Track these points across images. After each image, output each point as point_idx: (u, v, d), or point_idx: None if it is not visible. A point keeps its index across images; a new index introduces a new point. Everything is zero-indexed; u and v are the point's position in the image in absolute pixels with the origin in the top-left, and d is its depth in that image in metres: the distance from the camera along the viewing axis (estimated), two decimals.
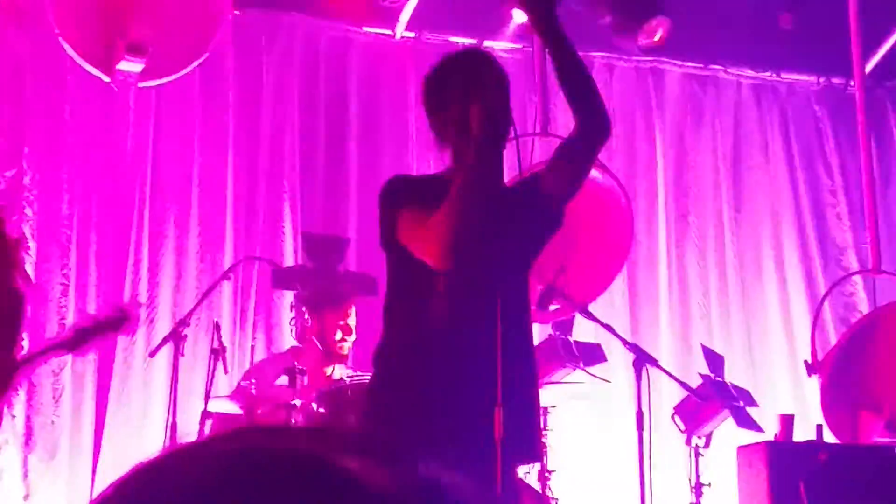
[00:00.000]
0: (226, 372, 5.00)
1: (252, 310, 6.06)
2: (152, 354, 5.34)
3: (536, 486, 4.70)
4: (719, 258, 6.91)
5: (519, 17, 6.18)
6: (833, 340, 6.42)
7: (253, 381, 5.02)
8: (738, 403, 4.93)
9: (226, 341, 5.09)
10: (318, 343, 5.16)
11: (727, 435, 5.14)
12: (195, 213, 6.11)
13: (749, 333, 6.81)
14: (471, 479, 0.62)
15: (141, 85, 5.68)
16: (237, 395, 5.02)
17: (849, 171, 7.14)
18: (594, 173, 4.41)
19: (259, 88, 6.36)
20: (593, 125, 3.06)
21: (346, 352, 5.20)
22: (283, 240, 6.21)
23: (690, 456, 4.91)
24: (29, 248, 5.73)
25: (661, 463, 5.59)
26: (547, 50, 3.06)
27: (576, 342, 4.99)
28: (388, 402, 3.09)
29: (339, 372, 5.12)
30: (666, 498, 5.72)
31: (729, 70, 7.20)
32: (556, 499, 4.83)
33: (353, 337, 5.20)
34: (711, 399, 4.91)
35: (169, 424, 4.79)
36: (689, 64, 7.12)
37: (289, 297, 5.67)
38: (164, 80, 5.67)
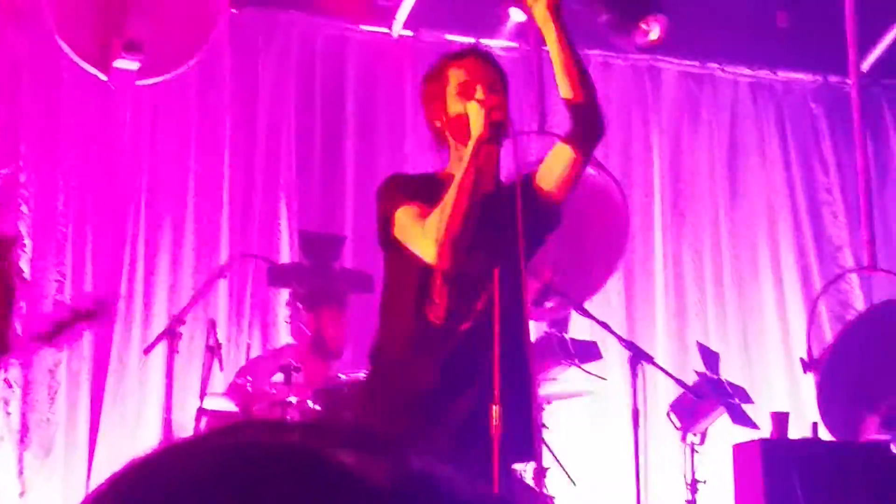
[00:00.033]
0: (221, 369, 5.00)
1: (248, 307, 6.06)
2: (147, 352, 5.33)
3: (533, 483, 4.70)
4: (715, 256, 6.91)
5: (516, 15, 6.17)
6: (829, 338, 6.43)
7: (249, 378, 5.02)
8: (733, 401, 4.94)
9: (221, 339, 5.09)
10: (313, 341, 5.16)
11: (723, 432, 5.14)
12: (191, 210, 6.10)
13: (745, 331, 6.81)
14: (465, 473, 0.63)
15: (137, 83, 5.67)
16: (233, 392, 5.02)
17: (845, 168, 7.14)
18: (590, 171, 4.42)
19: (255, 86, 6.36)
20: (590, 125, 3.06)
21: (341, 350, 5.20)
22: (280, 237, 6.20)
23: (686, 453, 4.91)
24: (25, 245, 5.72)
25: (656, 460, 5.60)
26: (552, 46, 3.05)
27: (572, 339, 4.99)
28: (384, 399, 3.09)
29: (334, 369, 5.12)
30: (661, 495, 5.73)
31: (725, 68, 7.20)
32: (553, 496, 4.83)
33: (348, 336, 5.20)
34: (707, 396, 4.92)
35: (164, 422, 4.79)
36: (686, 62, 7.12)
37: (285, 294, 5.67)
38: (161, 78, 5.67)
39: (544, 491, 4.69)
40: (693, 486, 4.86)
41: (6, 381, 5.62)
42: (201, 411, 4.73)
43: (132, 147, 6.08)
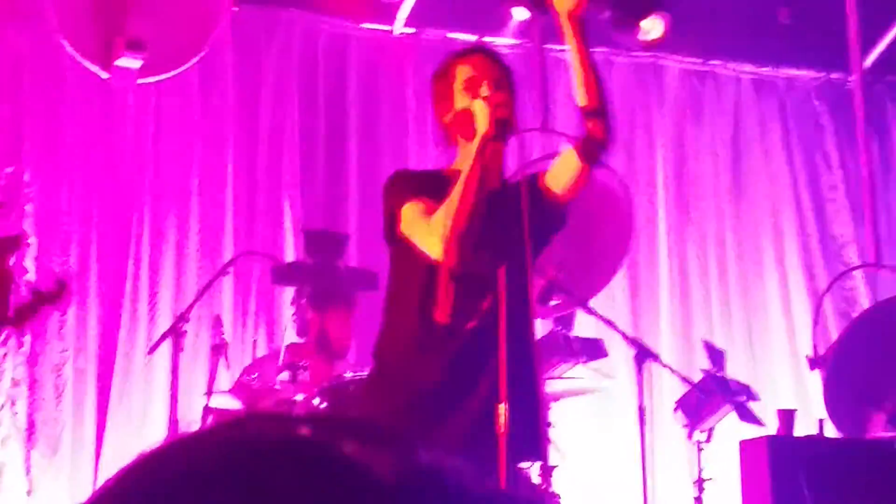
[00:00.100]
0: (228, 367, 5.00)
1: (253, 305, 6.06)
2: (152, 350, 5.34)
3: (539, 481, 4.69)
4: (719, 253, 6.91)
5: (519, 14, 6.16)
6: (834, 335, 6.42)
7: (255, 375, 5.02)
8: (739, 398, 4.93)
9: (227, 337, 5.09)
10: (318, 340, 5.16)
11: (729, 430, 5.13)
12: (195, 209, 6.11)
13: (750, 328, 6.81)
14: (473, 468, 0.62)
15: (140, 81, 5.68)
16: (238, 390, 5.02)
17: (848, 165, 7.13)
18: None
19: (258, 85, 6.36)
20: (601, 132, 3.05)
21: (345, 351, 5.20)
22: (284, 236, 6.21)
23: (692, 451, 4.91)
24: (29, 244, 5.72)
25: (662, 458, 5.60)
26: (572, 56, 3.04)
27: (577, 337, 4.98)
28: (388, 397, 3.08)
29: (340, 367, 5.11)
30: (668, 493, 5.72)
31: (728, 65, 7.19)
32: (559, 494, 4.83)
33: (353, 337, 5.20)
34: (713, 394, 4.91)
35: (170, 420, 4.79)
36: (689, 59, 7.11)
37: (289, 292, 5.67)
38: (164, 76, 5.67)
39: (550, 489, 4.69)
40: (700, 483, 4.85)
41: (13, 379, 5.63)
42: (207, 409, 4.74)
43: (135, 146, 6.09)
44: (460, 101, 3.13)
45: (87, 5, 5.51)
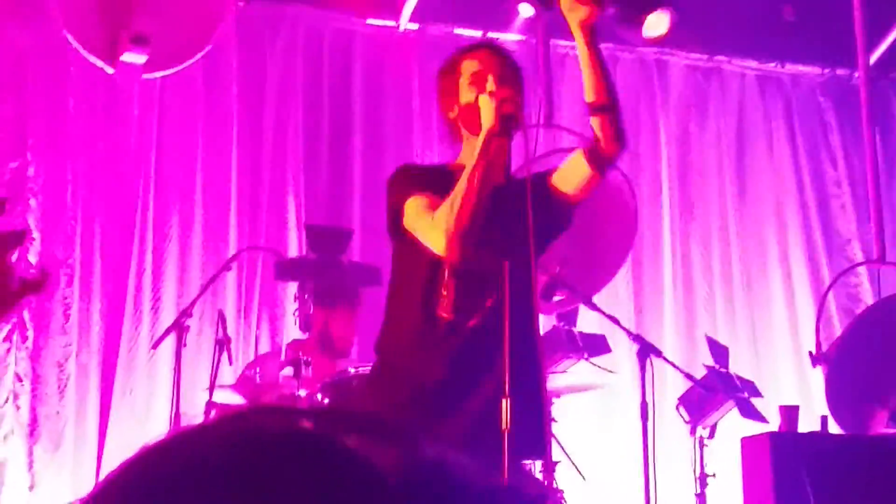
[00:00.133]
0: (231, 363, 5.00)
1: (256, 301, 6.07)
2: (155, 346, 5.35)
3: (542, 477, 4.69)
4: (724, 249, 6.90)
5: (525, 10, 6.15)
6: (838, 331, 6.42)
7: (257, 370, 5.03)
8: (742, 394, 4.93)
9: (230, 332, 5.09)
10: (320, 338, 5.16)
11: (732, 426, 5.13)
12: (199, 205, 6.11)
13: (754, 324, 6.81)
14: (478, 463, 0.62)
15: (145, 76, 5.68)
16: (241, 385, 5.02)
17: (853, 161, 7.13)
18: None
19: (263, 80, 6.36)
20: (613, 139, 3.03)
21: (347, 350, 5.20)
22: (287, 231, 6.21)
23: (695, 447, 4.91)
24: (33, 239, 5.73)
25: (665, 454, 5.59)
26: (583, 62, 3.03)
27: (580, 333, 4.98)
28: (390, 392, 3.08)
29: (343, 363, 5.12)
30: (670, 489, 5.71)
31: (733, 61, 7.19)
32: (562, 490, 4.83)
33: (356, 336, 5.20)
34: (716, 390, 4.91)
35: (173, 415, 4.80)
36: (694, 55, 7.11)
37: (293, 288, 5.68)
38: (168, 71, 5.67)
39: (554, 485, 4.69)
40: (702, 479, 4.85)
41: (16, 374, 5.64)
42: (210, 404, 4.74)
43: (139, 141, 6.09)
44: (466, 95, 3.12)
45: (91, 0, 5.51)
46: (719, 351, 5.17)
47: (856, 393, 5.30)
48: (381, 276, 4.92)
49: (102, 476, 0.60)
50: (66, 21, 5.35)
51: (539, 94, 5.90)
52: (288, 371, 4.73)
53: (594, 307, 4.79)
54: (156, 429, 5.59)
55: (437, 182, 3.05)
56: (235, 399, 4.86)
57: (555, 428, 4.82)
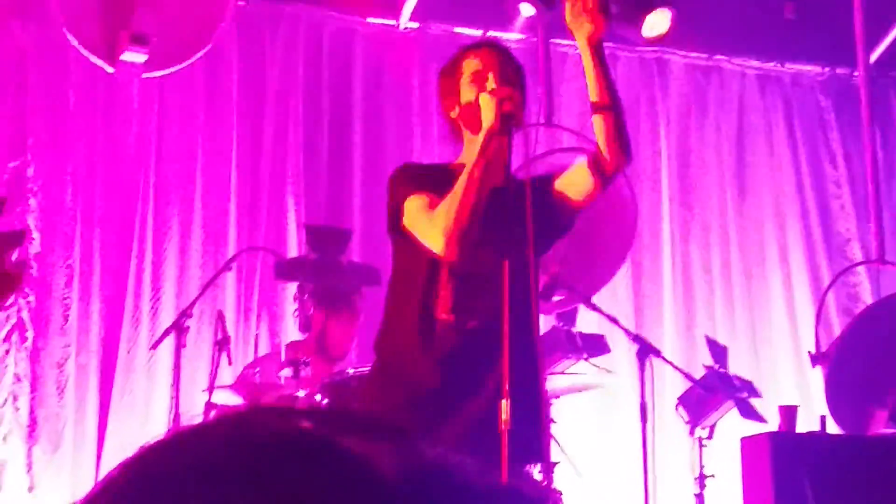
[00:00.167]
0: (230, 363, 5.00)
1: (256, 301, 6.06)
2: (154, 346, 5.35)
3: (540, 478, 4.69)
4: (723, 249, 6.90)
5: (526, 10, 6.14)
6: (837, 331, 6.42)
7: (257, 370, 5.03)
8: (741, 394, 4.93)
9: (230, 332, 5.09)
10: (317, 340, 5.15)
11: (731, 426, 5.13)
12: (199, 204, 6.11)
13: (753, 324, 6.80)
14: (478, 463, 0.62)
15: (145, 76, 5.68)
16: (240, 386, 5.02)
17: (853, 161, 7.13)
18: None
19: (263, 79, 6.36)
20: (614, 139, 3.03)
21: (343, 356, 5.18)
22: (287, 231, 6.21)
23: (694, 447, 4.91)
24: (33, 239, 5.73)
25: (664, 454, 5.59)
26: (588, 77, 3.03)
27: (579, 333, 4.98)
28: (389, 392, 3.08)
29: (342, 364, 5.11)
30: (669, 489, 5.72)
31: (733, 60, 7.19)
32: (560, 491, 4.83)
33: (353, 340, 5.20)
34: (715, 390, 4.91)
35: (172, 416, 4.79)
36: (693, 54, 7.10)
37: (292, 288, 5.67)
38: (168, 70, 5.67)
39: (552, 486, 4.69)
40: (701, 479, 4.86)
41: (15, 375, 5.63)
42: (210, 405, 4.74)
43: (139, 141, 6.09)
44: (467, 94, 3.12)
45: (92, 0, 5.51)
46: (718, 351, 5.17)
47: (855, 393, 5.31)
48: (380, 276, 4.91)
49: (101, 477, 0.60)
50: (67, 20, 5.35)
51: (539, 93, 5.90)
52: (287, 372, 4.73)
53: (593, 307, 4.79)
54: (155, 430, 5.58)
55: (437, 181, 3.05)
56: (235, 400, 4.86)
57: (554, 428, 4.82)
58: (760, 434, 4.77)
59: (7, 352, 5.64)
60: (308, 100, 6.40)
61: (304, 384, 4.62)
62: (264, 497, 0.56)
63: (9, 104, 5.88)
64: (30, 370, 5.65)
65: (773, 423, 4.94)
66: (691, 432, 4.93)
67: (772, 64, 7.26)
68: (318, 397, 4.51)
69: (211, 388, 4.76)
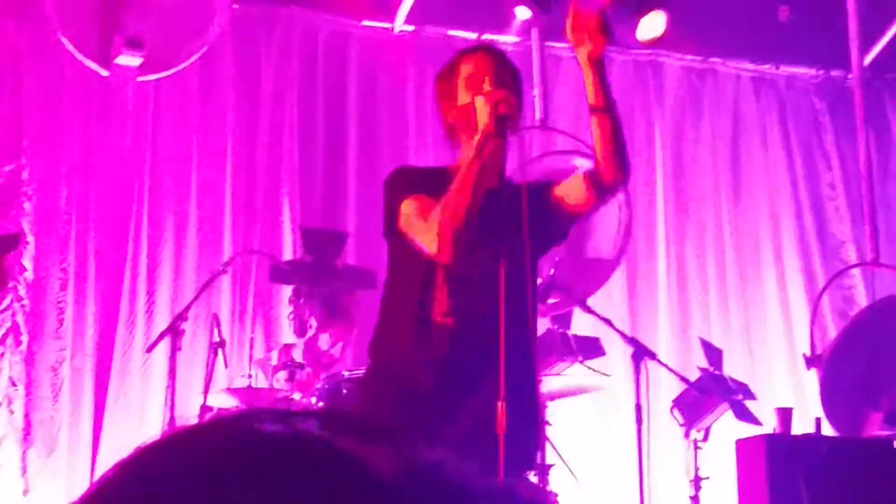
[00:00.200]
0: (226, 366, 5.00)
1: (251, 304, 6.06)
2: (150, 349, 5.34)
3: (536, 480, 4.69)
4: (718, 251, 6.91)
5: (522, 13, 6.14)
6: (832, 333, 6.42)
7: (252, 373, 5.02)
8: (736, 397, 4.93)
9: (225, 335, 5.08)
10: (308, 346, 5.15)
11: (726, 428, 5.14)
12: (194, 207, 6.10)
13: (748, 327, 6.81)
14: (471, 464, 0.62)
15: (139, 79, 5.68)
16: (236, 389, 5.02)
17: (847, 163, 7.14)
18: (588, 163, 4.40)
19: (258, 82, 6.36)
20: (619, 168, 3.03)
21: (331, 365, 5.18)
22: (282, 234, 6.21)
23: (689, 449, 4.91)
24: (28, 242, 5.72)
25: (659, 456, 5.59)
26: (589, 93, 3.02)
27: (574, 336, 4.98)
28: (384, 395, 3.07)
29: (337, 367, 5.11)
30: (664, 492, 5.73)
31: (728, 62, 7.19)
32: (556, 493, 4.83)
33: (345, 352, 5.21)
34: (710, 392, 4.91)
35: (167, 419, 4.79)
36: (688, 57, 7.11)
37: (288, 291, 5.67)
38: (163, 74, 5.67)
39: (548, 488, 4.69)
40: (696, 482, 4.86)
41: (10, 378, 5.62)
42: (205, 408, 4.73)
43: (134, 144, 6.08)
44: (462, 97, 3.12)
45: (86, 3, 5.51)
46: (713, 353, 5.18)
47: (850, 395, 5.31)
48: (376, 279, 4.91)
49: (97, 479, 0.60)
50: (61, 24, 5.35)
51: (534, 96, 5.90)
52: (282, 375, 4.73)
53: (588, 310, 4.79)
54: (150, 433, 5.57)
55: (433, 184, 3.05)
56: (230, 402, 4.86)
57: (549, 431, 4.82)
58: (755, 436, 4.77)
59: (1, 355, 5.63)
60: (303, 103, 6.40)
61: (300, 387, 4.62)
62: (262, 498, 0.56)
63: (4, 107, 5.87)
64: (24, 373, 5.64)
65: (768, 426, 4.95)
66: (686, 434, 4.93)
67: (766, 66, 7.26)
68: (313, 400, 4.51)
69: (206, 391, 4.75)
